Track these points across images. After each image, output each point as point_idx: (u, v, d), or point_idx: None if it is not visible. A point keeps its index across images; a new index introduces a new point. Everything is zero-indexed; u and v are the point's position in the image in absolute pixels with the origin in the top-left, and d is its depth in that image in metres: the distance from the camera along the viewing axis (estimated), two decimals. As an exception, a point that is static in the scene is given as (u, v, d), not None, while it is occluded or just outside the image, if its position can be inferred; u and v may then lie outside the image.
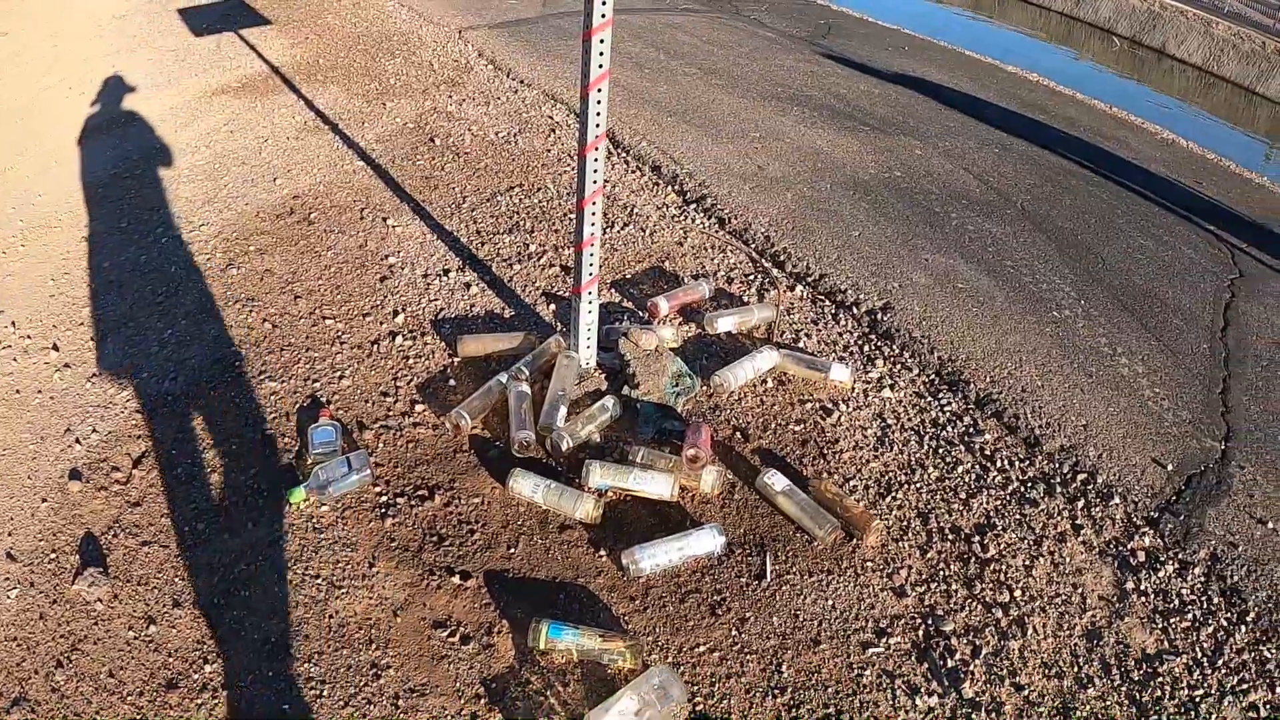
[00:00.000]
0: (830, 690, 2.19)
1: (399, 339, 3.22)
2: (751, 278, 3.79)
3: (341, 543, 2.45)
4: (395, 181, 4.31)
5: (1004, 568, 2.56)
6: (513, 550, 2.46)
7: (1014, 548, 2.62)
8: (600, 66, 2.43)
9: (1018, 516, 2.73)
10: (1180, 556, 2.67)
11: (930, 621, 2.38)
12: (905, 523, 2.67)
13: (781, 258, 3.98)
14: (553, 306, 3.48)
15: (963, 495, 2.79)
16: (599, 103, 2.50)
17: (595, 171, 2.63)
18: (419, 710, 2.07)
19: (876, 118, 5.96)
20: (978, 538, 2.64)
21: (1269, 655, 2.40)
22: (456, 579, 2.37)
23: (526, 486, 2.57)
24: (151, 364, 3.07)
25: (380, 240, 3.81)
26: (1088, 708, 2.21)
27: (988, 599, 2.46)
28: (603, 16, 2.34)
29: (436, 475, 2.68)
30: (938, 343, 3.49)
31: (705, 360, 3.24)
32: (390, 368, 3.09)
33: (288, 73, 5.57)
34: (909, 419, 3.09)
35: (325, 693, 2.10)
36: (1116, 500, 2.84)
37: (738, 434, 2.94)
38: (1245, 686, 2.31)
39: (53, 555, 2.43)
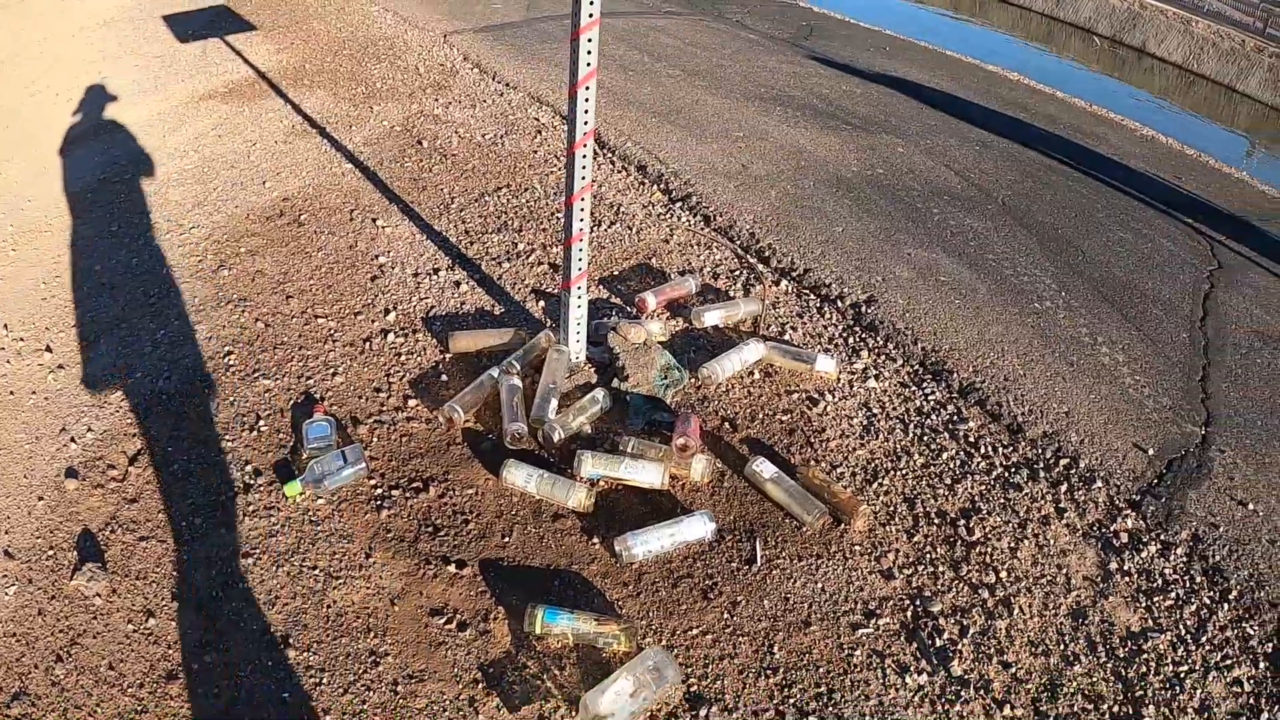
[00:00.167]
0: (821, 670, 2.23)
1: (391, 336, 3.25)
2: (737, 273, 3.85)
3: (338, 534, 2.49)
4: (384, 183, 4.35)
5: (989, 550, 2.61)
6: (507, 539, 2.51)
7: (999, 531, 2.68)
8: (588, 65, 2.48)
9: (1002, 501, 2.79)
10: (1162, 537, 2.74)
11: (918, 603, 2.43)
12: (892, 508, 2.73)
13: (766, 253, 4.03)
14: (542, 303, 3.53)
15: (948, 481, 2.85)
16: (587, 100, 2.55)
17: (584, 168, 2.68)
18: (418, 696, 2.11)
19: (858, 117, 6.03)
20: (963, 521, 2.70)
21: (1252, 632, 2.47)
22: (452, 568, 2.41)
23: (520, 477, 2.61)
24: (145, 364, 3.10)
25: (370, 241, 3.84)
26: (1074, 684, 2.27)
27: (974, 580, 2.51)
28: (590, 16, 2.39)
29: (430, 468, 2.72)
30: (921, 334, 3.55)
31: (693, 353, 3.29)
32: (383, 364, 3.13)
33: (274, 78, 5.60)
34: (894, 408, 3.15)
35: (325, 680, 2.13)
36: (1099, 484, 2.91)
37: (726, 424, 2.99)
38: (1229, 662, 2.37)
39: (50, 552, 2.45)
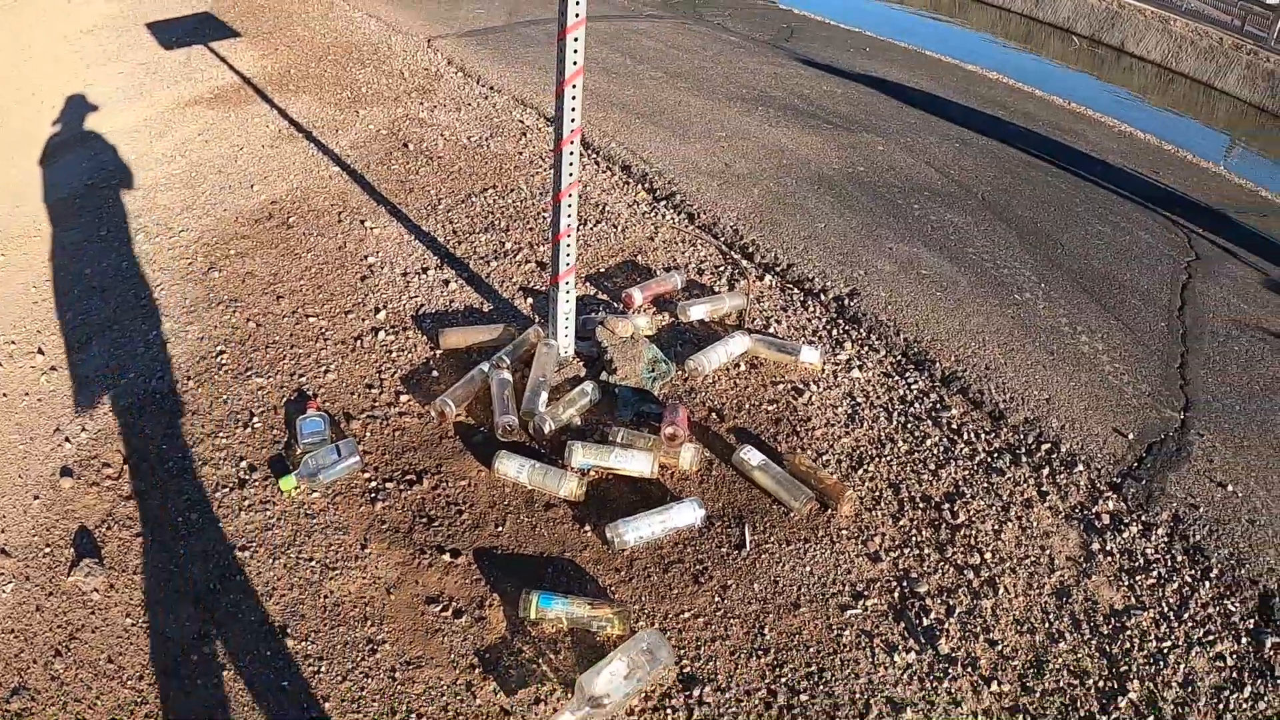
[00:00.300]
0: (812, 650, 2.29)
1: (381, 334, 3.29)
2: (721, 269, 3.90)
3: (333, 527, 2.52)
4: (371, 185, 4.39)
5: (974, 533, 2.67)
6: (500, 528, 2.55)
7: (983, 514, 2.74)
8: (574, 64, 2.53)
9: (985, 485, 2.86)
10: (1143, 518, 2.81)
11: (905, 584, 2.49)
12: (877, 493, 2.78)
13: (750, 249, 4.09)
14: (530, 300, 3.57)
15: (932, 466, 2.91)
16: (574, 99, 2.60)
17: (571, 165, 2.73)
18: (415, 682, 2.15)
19: (839, 116, 6.10)
20: (948, 505, 2.76)
21: (1233, 609, 2.54)
22: (447, 557, 2.45)
23: (512, 467, 2.66)
24: (138, 364, 3.13)
25: (359, 242, 3.88)
26: (1060, 660, 2.33)
27: (959, 562, 2.57)
28: (576, 16, 2.44)
29: (424, 460, 2.76)
30: (903, 325, 3.61)
31: (679, 346, 3.34)
32: (374, 361, 3.16)
33: (259, 83, 5.62)
34: (878, 397, 3.21)
35: (323, 669, 2.17)
36: (1080, 468, 2.97)
37: (713, 414, 3.04)
38: (1211, 638, 2.44)
39: (47, 550, 2.48)
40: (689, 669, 2.21)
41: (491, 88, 5.81)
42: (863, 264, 4.05)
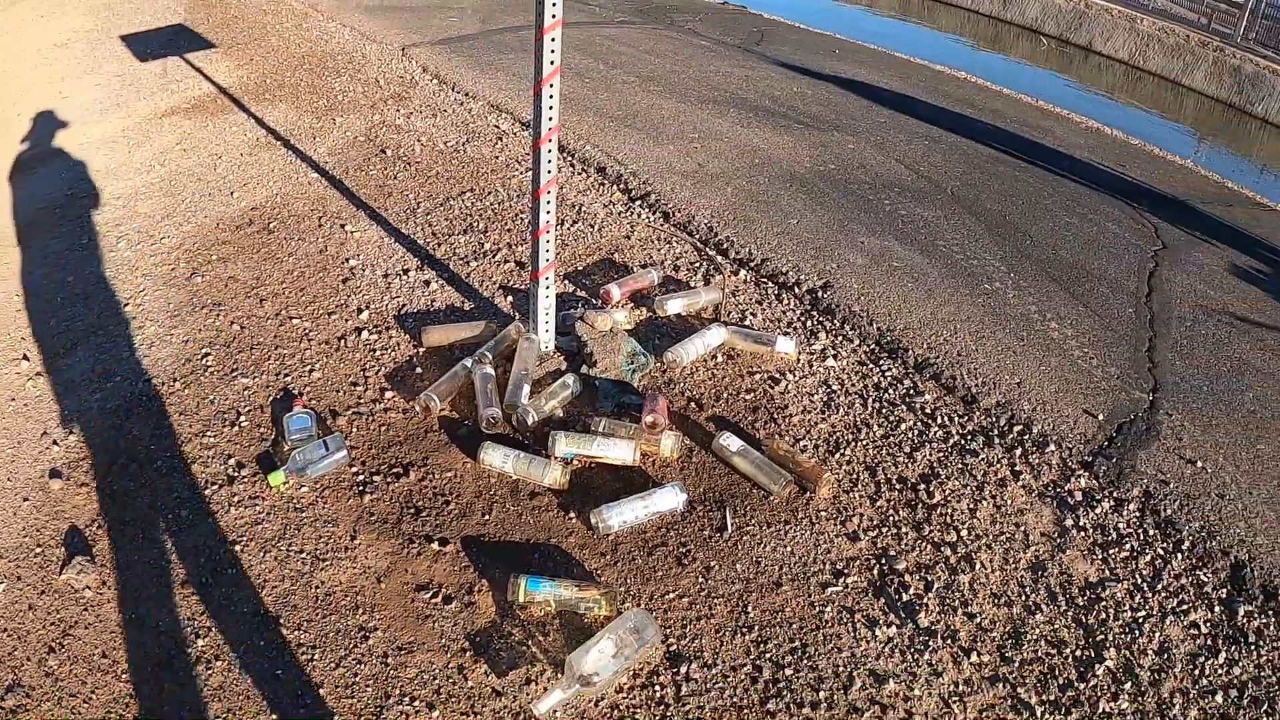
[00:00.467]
0: (795, 626, 2.35)
1: (364, 334, 3.34)
2: (697, 265, 3.98)
3: (323, 519, 2.57)
4: (350, 191, 4.43)
5: (950, 511, 2.75)
6: (487, 517, 2.60)
7: (958, 494, 2.83)
8: (551, 64, 2.60)
9: (960, 466, 2.94)
10: (1115, 495, 2.90)
11: (884, 561, 2.56)
12: (854, 476, 2.86)
13: (725, 246, 4.16)
14: (510, 298, 3.63)
15: (907, 449, 2.99)
16: (551, 98, 2.67)
17: (549, 163, 2.79)
18: (408, 666, 2.19)
19: (810, 116, 6.20)
20: (923, 486, 2.84)
21: (1205, 579, 2.63)
22: (435, 545, 2.50)
23: (497, 457, 2.71)
24: (123, 368, 3.16)
25: (340, 245, 3.92)
26: (1037, 631, 2.41)
27: (936, 539, 2.65)
28: (553, 16, 2.51)
29: (410, 454, 2.81)
30: (876, 315, 3.70)
31: (658, 340, 3.41)
32: (358, 360, 3.21)
33: (236, 93, 5.66)
34: (853, 384, 3.29)
35: (316, 657, 2.21)
36: (1052, 448, 3.06)
37: (692, 404, 3.11)
38: (1185, 607, 2.53)
39: (38, 550, 2.50)
40: (675, 647, 2.27)
41: (467, 94, 5.87)
42: (835, 257, 4.13)
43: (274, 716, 2.08)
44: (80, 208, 4.26)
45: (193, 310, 3.46)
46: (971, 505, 2.79)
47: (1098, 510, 2.83)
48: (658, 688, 2.16)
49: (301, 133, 5.10)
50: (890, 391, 3.27)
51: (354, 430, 2.90)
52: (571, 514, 2.63)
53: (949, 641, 2.36)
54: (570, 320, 3.36)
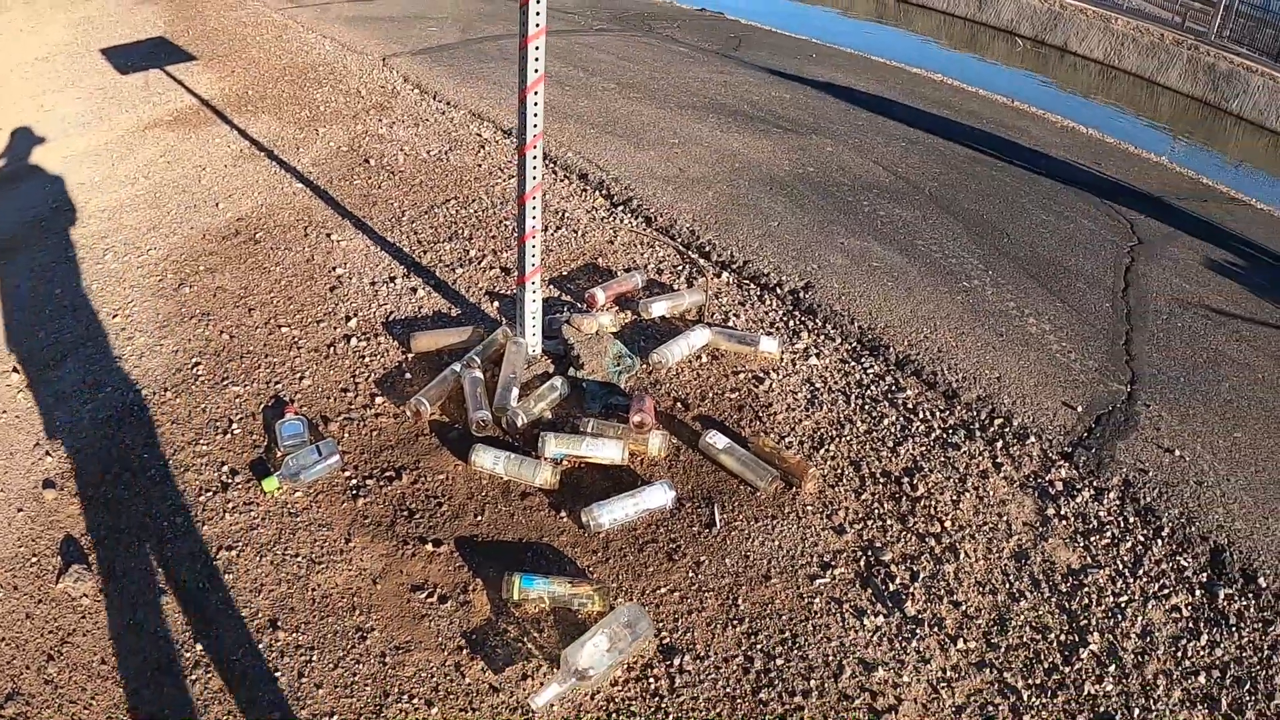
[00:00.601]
0: (784, 618, 2.40)
1: (353, 341, 3.37)
2: (680, 268, 4.03)
3: (317, 523, 2.60)
4: (335, 200, 4.46)
5: (933, 503, 2.82)
6: (479, 518, 2.64)
7: (941, 486, 2.89)
8: (536, 71, 2.64)
9: (942, 459, 3.00)
10: (1095, 484, 2.98)
11: (870, 553, 2.62)
12: (839, 471, 2.92)
13: (707, 249, 4.22)
14: (496, 303, 3.67)
15: (890, 444, 3.05)
16: (536, 105, 2.71)
17: (534, 168, 2.84)
18: (405, 665, 2.23)
19: (788, 120, 6.28)
20: (907, 479, 2.90)
21: (1186, 564, 2.71)
22: (429, 547, 2.54)
23: (488, 459, 2.75)
24: (114, 378, 3.18)
25: (326, 254, 3.96)
26: (1022, 618, 2.47)
27: (921, 530, 2.71)
28: (536, 25, 2.56)
29: (402, 458, 2.85)
30: (857, 314, 3.76)
31: (643, 342, 3.46)
32: (348, 366, 3.24)
33: (218, 105, 5.68)
34: (835, 382, 3.35)
35: (314, 658, 2.24)
36: (1032, 439, 3.13)
37: (678, 404, 3.16)
38: (1166, 591, 2.61)
39: (34, 559, 2.52)
40: (668, 640, 2.31)
41: (448, 103, 5.91)
42: (816, 259, 4.20)
43: (275, 716, 2.11)
44: (65, 221, 4.28)
45: (182, 320, 3.49)
46: (955, 497, 2.86)
47: (1078, 499, 2.90)
48: (652, 680, 2.21)
49: (285, 143, 5.13)
50: (872, 388, 3.33)
51: (346, 435, 2.93)
52: (563, 513, 2.67)
53: (936, 629, 2.41)
54: (557, 324, 3.41)
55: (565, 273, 3.93)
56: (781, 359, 3.43)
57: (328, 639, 2.29)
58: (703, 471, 2.87)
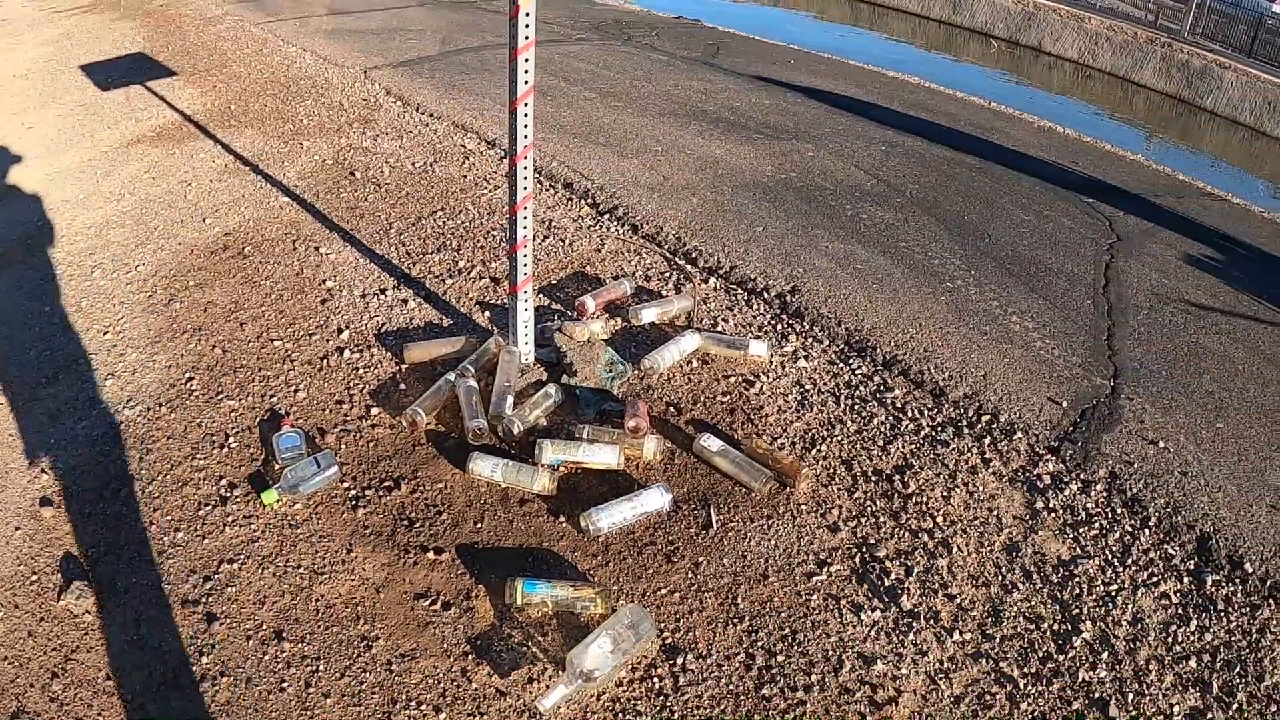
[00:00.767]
0: (783, 615, 2.44)
1: (346, 353, 3.39)
2: (667, 275, 4.07)
3: (318, 535, 2.62)
4: (322, 214, 4.48)
5: (925, 500, 2.87)
6: (479, 525, 2.67)
7: (932, 483, 2.94)
8: (526, 83, 2.68)
9: (932, 456, 3.05)
10: (1082, 477, 3.04)
11: (865, 550, 2.67)
12: (832, 470, 2.96)
13: (693, 255, 4.27)
14: (487, 313, 3.70)
15: (880, 443, 3.10)
16: (526, 116, 2.75)
17: (525, 179, 2.87)
18: (412, 672, 2.25)
19: (769, 126, 6.34)
20: (898, 477, 2.95)
21: (1173, 552, 2.78)
22: (431, 555, 2.56)
23: (486, 467, 2.78)
24: (108, 395, 3.18)
25: (316, 267, 3.97)
26: (1015, 609, 2.53)
27: (913, 527, 2.76)
28: (526, 38, 2.60)
29: (399, 468, 2.87)
30: (844, 316, 3.82)
31: (634, 348, 3.49)
32: (342, 378, 3.26)
33: (201, 120, 5.68)
34: (824, 383, 3.40)
35: (321, 668, 2.26)
36: (1019, 435, 3.19)
37: (671, 409, 3.19)
38: (1155, 579, 2.67)
39: (34, 577, 2.53)
40: (670, 640, 2.35)
41: (431, 115, 5.94)
42: (801, 262, 4.25)
43: (284, 726, 2.13)
44: (52, 238, 4.27)
45: (173, 336, 3.50)
46: (945, 493, 2.91)
47: (1066, 492, 2.96)
48: (656, 679, 2.24)
49: (270, 158, 5.14)
50: (861, 389, 3.38)
51: (343, 447, 2.95)
52: (561, 518, 2.70)
53: (932, 622, 2.46)
54: (548, 332, 3.44)
55: (554, 281, 3.96)
56: (771, 362, 3.48)
57: (333, 649, 2.31)
58: (698, 474, 2.90)
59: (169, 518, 2.69)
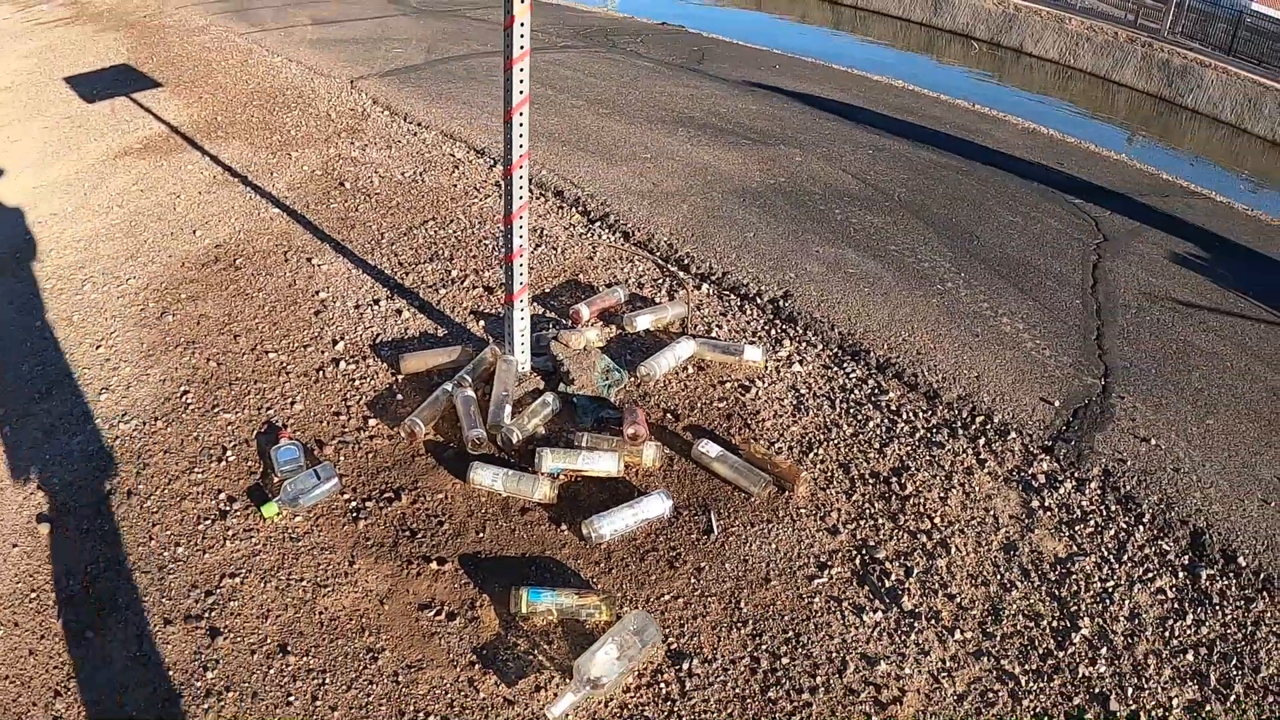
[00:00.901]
0: (786, 618, 2.46)
1: (342, 364, 3.39)
2: (660, 282, 4.09)
3: (320, 547, 2.62)
4: (313, 224, 4.47)
5: (922, 501, 2.89)
6: (481, 535, 2.67)
7: (928, 484, 2.96)
8: (521, 93, 2.70)
9: (928, 458, 3.08)
10: (1076, 475, 3.08)
11: (864, 551, 2.69)
12: (829, 474, 2.98)
13: (685, 261, 4.28)
14: (482, 323, 3.70)
15: (877, 445, 3.12)
16: (521, 125, 2.76)
17: (521, 188, 2.88)
18: (419, 683, 2.25)
19: (756, 131, 6.37)
20: (895, 479, 2.97)
21: (1168, 547, 2.82)
22: (434, 565, 2.56)
23: (486, 476, 2.78)
24: (102, 410, 3.17)
25: (308, 279, 3.97)
26: (1015, 607, 2.56)
27: (912, 528, 2.78)
28: (521, 48, 2.61)
29: (399, 478, 2.87)
30: (836, 321, 3.84)
31: (629, 355, 3.50)
32: (339, 390, 3.26)
33: (188, 131, 5.66)
34: (820, 387, 3.42)
35: (328, 680, 2.26)
36: (1013, 435, 3.22)
37: (668, 415, 3.21)
38: (1151, 575, 2.71)
39: (33, 595, 2.51)
40: (676, 645, 2.36)
41: (419, 124, 5.94)
42: (793, 267, 4.27)
43: (292, 739, 2.13)
44: (39, 251, 4.25)
45: (167, 349, 3.48)
46: (942, 494, 2.93)
47: (1061, 491, 3.00)
48: (663, 685, 2.25)
49: (258, 169, 5.13)
50: (856, 392, 3.40)
51: (341, 459, 2.95)
52: (563, 526, 2.71)
53: (933, 622, 2.48)
54: (544, 341, 3.45)
55: (547, 290, 3.97)
56: (766, 367, 3.50)
57: (339, 661, 2.31)
58: (697, 480, 2.92)
59: (168, 533, 2.68)
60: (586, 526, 2.63)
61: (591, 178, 5.18)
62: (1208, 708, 2.33)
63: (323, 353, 3.46)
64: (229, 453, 2.97)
